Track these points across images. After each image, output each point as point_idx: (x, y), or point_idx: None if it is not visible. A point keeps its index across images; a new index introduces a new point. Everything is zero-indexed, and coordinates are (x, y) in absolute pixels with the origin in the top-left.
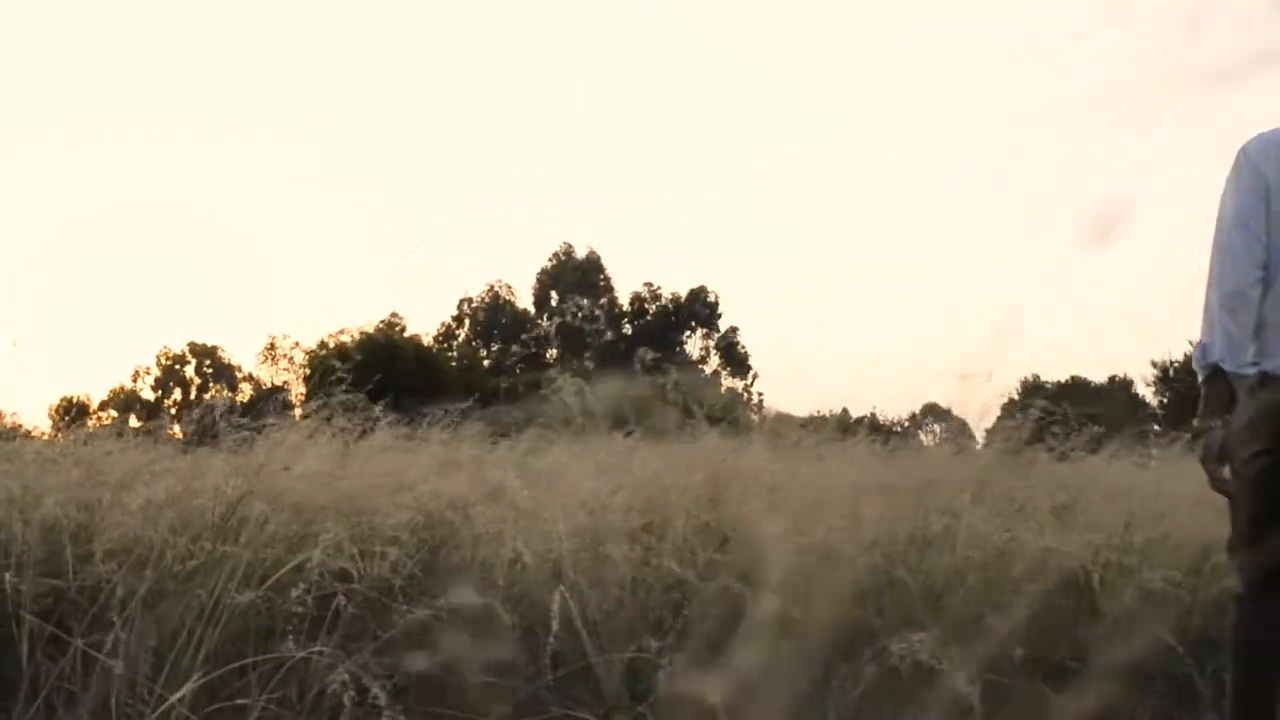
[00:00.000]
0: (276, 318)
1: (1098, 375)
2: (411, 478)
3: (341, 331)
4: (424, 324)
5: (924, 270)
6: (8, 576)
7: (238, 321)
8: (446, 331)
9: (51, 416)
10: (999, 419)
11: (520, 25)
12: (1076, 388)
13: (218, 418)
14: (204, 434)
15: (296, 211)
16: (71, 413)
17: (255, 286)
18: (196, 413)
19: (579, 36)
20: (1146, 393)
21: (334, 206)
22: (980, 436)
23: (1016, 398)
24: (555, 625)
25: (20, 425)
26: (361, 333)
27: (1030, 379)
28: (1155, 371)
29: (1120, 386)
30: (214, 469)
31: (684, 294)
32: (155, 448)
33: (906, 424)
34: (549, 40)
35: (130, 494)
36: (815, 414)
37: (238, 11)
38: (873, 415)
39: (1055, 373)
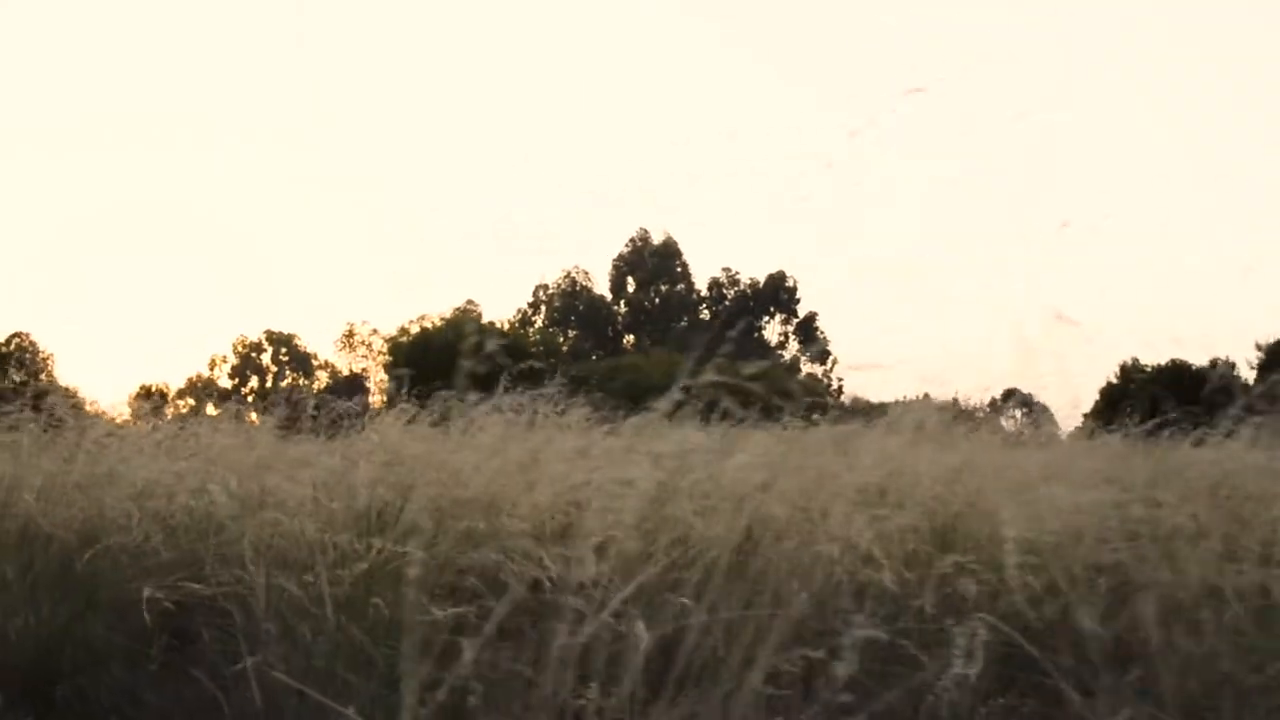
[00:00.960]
0: (347, 308)
1: (1199, 358)
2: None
3: (422, 317)
4: (500, 311)
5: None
6: (146, 592)
7: (307, 311)
8: (523, 318)
9: (131, 404)
10: (1096, 403)
11: (520, 25)
12: (1176, 370)
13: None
14: (329, 426)
15: (348, 206)
16: (150, 400)
17: (324, 279)
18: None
19: (579, 36)
20: (1250, 376)
21: (345, 206)
22: (1063, 421)
23: (1115, 381)
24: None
25: (103, 412)
26: (442, 318)
27: (1129, 362)
28: (1260, 354)
29: (1223, 369)
30: (358, 460)
31: (762, 279)
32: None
33: (988, 409)
34: (549, 40)
35: (247, 480)
36: (901, 399)
37: (237, 11)
38: (955, 400)
39: (1154, 355)
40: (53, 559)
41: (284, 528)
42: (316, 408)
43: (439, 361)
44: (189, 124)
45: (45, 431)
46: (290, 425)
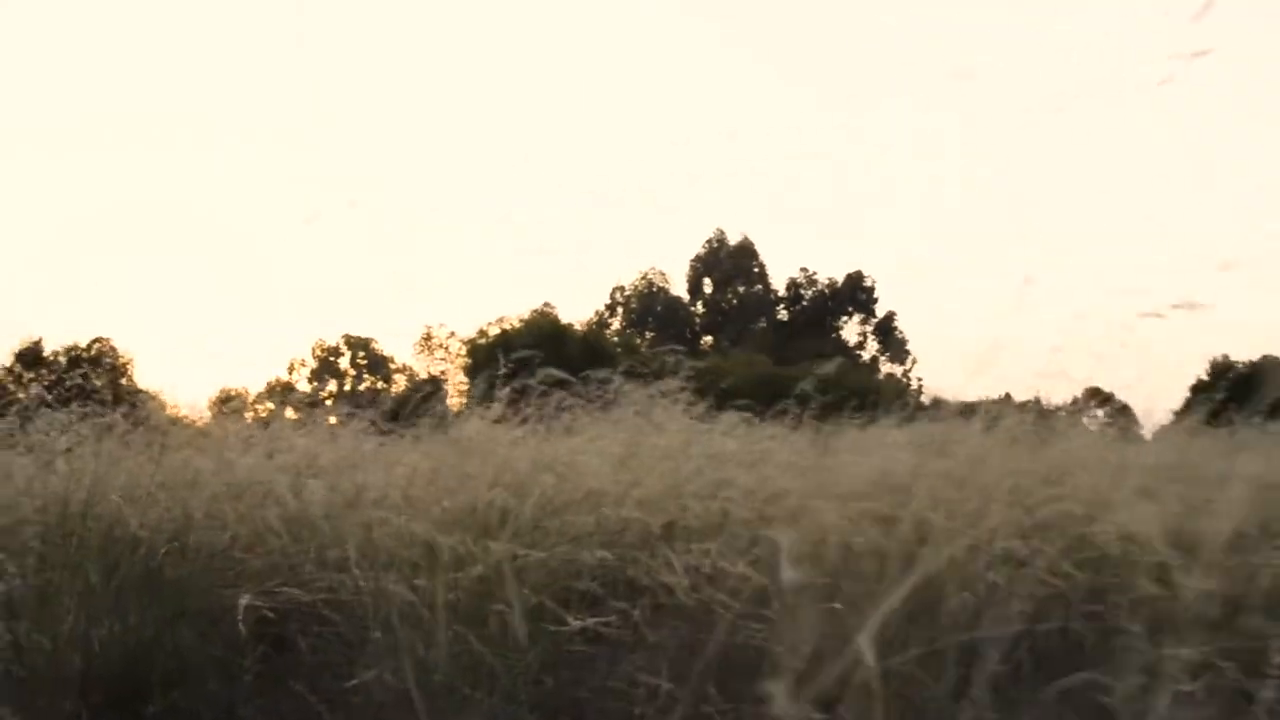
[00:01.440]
0: (421, 311)
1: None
2: None
3: (500, 319)
4: (576, 313)
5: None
6: (244, 600)
7: (383, 316)
8: (599, 319)
9: (211, 408)
10: (1188, 399)
11: (520, 25)
12: (1269, 366)
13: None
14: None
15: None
16: (231, 404)
17: (400, 281)
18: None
19: (579, 37)
20: None
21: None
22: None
23: (1206, 378)
24: None
25: (184, 416)
26: (521, 320)
27: (1219, 359)
28: None
29: None
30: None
31: (840, 279)
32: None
33: (1070, 408)
34: (549, 40)
35: (342, 479)
36: (985, 398)
37: (237, 11)
38: (1037, 399)
39: (1245, 352)
40: (139, 562)
41: (390, 528)
42: (424, 398)
43: (521, 361)
44: (191, 123)
45: (131, 430)
46: (387, 423)
